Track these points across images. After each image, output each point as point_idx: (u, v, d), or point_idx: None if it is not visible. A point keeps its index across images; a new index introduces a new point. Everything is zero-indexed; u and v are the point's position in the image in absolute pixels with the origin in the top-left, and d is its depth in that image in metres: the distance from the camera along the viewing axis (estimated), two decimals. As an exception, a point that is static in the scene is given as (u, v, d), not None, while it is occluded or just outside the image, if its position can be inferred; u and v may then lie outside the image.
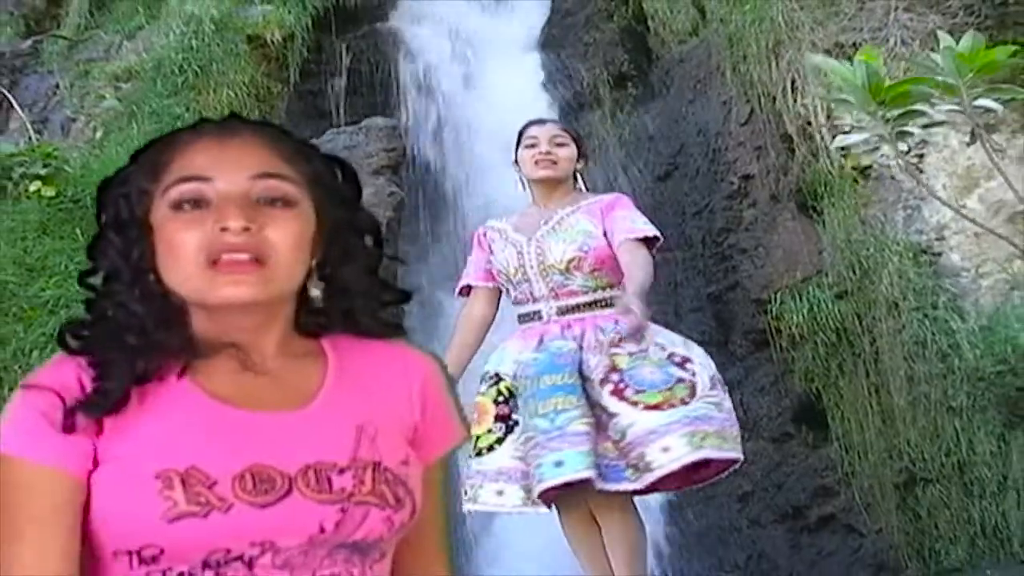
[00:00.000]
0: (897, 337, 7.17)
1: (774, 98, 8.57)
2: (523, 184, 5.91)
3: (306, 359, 2.04)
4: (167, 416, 1.87)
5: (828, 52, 8.09)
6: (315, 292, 2.04)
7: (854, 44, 8.07)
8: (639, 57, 11.02)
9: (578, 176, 5.90)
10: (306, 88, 10.98)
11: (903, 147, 4.73)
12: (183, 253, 1.89)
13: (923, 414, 6.90)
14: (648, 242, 5.54)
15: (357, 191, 2.14)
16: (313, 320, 2.07)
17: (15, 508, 1.82)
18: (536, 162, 5.75)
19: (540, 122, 6.16)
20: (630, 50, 11.07)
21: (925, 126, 4.73)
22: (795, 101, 8.33)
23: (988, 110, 4.73)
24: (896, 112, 4.49)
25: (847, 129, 7.68)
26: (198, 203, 1.91)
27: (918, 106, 4.55)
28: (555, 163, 5.74)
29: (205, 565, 1.82)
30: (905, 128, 4.57)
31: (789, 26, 8.53)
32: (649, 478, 5.01)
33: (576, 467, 4.96)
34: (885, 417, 7.24)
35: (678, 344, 5.35)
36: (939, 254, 7.29)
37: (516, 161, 5.90)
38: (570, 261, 5.49)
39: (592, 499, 5.22)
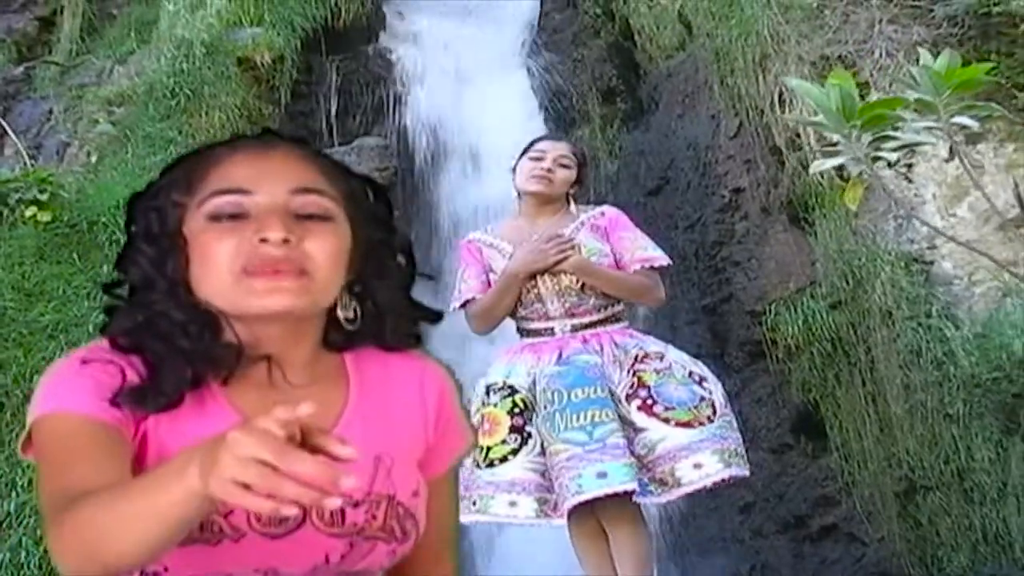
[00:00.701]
0: (892, 346, 7.13)
1: (762, 111, 8.54)
2: (516, 192, 5.88)
3: (329, 379, 2.06)
4: (196, 433, 1.84)
5: (814, 65, 8.09)
6: (345, 314, 2.04)
7: (840, 57, 8.05)
8: (627, 73, 11.00)
9: (570, 199, 5.86)
10: (297, 109, 10.92)
11: (881, 166, 4.69)
12: (218, 263, 1.90)
13: (921, 422, 6.86)
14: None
15: (389, 210, 2.15)
16: (340, 336, 2.07)
17: (62, 452, 1.81)
18: (533, 175, 5.72)
19: (554, 139, 6.16)
20: (618, 66, 11.05)
21: (901, 147, 4.70)
22: (783, 114, 8.30)
23: (965, 127, 4.71)
24: (870, 136, 4.46)
25: (833, 143, 7.71)
26: (236, 215, 1.93)
27: (891, 132, 4.51)
28: (551, 182, 5.72)
29: None
30: (879, 154, 4.54)
31: (775, 40, 8.50)
32: (677, 493, 5.07)
33: (622, 479, 4.97)
34: (883, 426, 7.21)
35: (690, 363, 5.40)
36: (931, 263, 7.26)
37: (514, 168, 5.87)
38: (583, 283, 5.48)
39: (602, 510, 5.21)
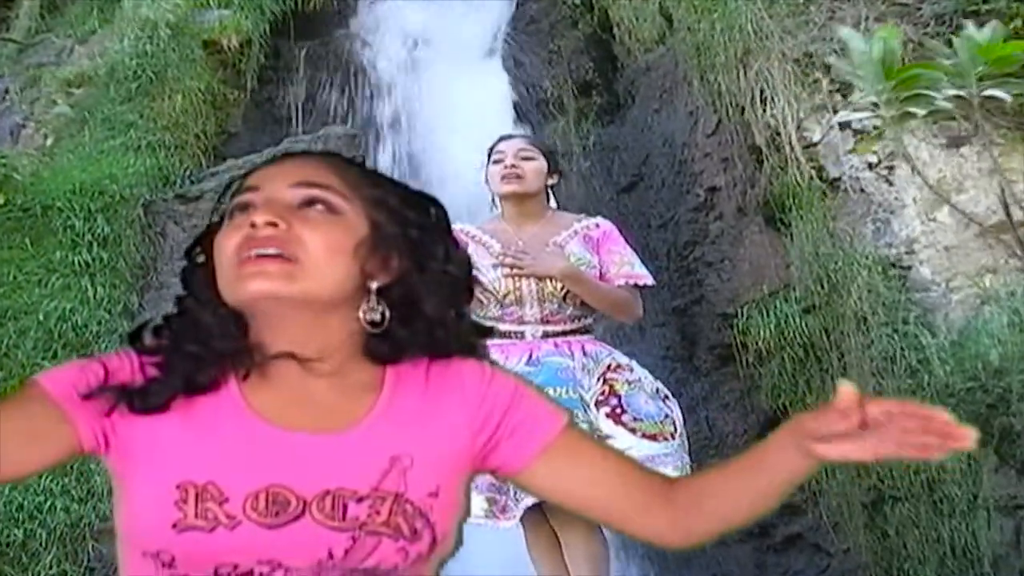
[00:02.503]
0: (866, 352, 7.14)
1: (742, 108, 8.54)
2: (495, 202, 5.88)
3: (361, 386, 2.12)
4: (205, 425, 2.02)
5: (797, 62, 8.10)
6: (369, 316, 2.10)
7: (824, 55, 8.06)
8: (604, 65, 11.03)
9: (550, 192, 5.88)
10: (263, 95, 10.94)
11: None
12: (225, 255, 2.03)
13: (892, 431, 6.86)
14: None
15: (437, 225, 2.19)
16: (386, 347, 2.13)
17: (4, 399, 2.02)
18: (502, 177, 5.73)
19: (508, 137, 6.16)
20: (595, 58, 11.08)
21: (930, 113, 4.73)
22: (764, 112, 8.29)
23: (995, 98, 4.73)
24: (903, 94, 4.49)
25: (814, 143, 7.74)
26: (244, 208, 2.07)
27: (926, 91, 4.54)
28: (520, 177, 5.72)
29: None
30: (911, 109, 4.57)
31: (758, 35, 8.50)
32: None
33: None
34: (853, 434, 7.20)
35: (654, 380, 5.45)
36: (909, 268, 7.26)
37: (486, 180, 5.88)
38: (568, 291, 5.50)
39: (554, 514, 5.23)
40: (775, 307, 7.83)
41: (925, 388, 6.68)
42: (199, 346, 2.05)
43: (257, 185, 2.09)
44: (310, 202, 2.06)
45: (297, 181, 2.08)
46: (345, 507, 1.98)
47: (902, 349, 6.87)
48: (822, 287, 7.54)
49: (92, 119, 9.64)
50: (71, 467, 6.88)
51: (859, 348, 7.20)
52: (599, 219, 5.91)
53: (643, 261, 5.82)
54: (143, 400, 1.99)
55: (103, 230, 8.32)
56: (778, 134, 8.14)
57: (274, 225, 2.00)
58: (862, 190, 7.60)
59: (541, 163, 5.81)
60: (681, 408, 5.58)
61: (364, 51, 11.44)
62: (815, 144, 7.82)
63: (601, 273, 5.59)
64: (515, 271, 5.50)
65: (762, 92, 8.33)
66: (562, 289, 5.49)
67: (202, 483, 1.94)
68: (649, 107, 10.02)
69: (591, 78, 11.05)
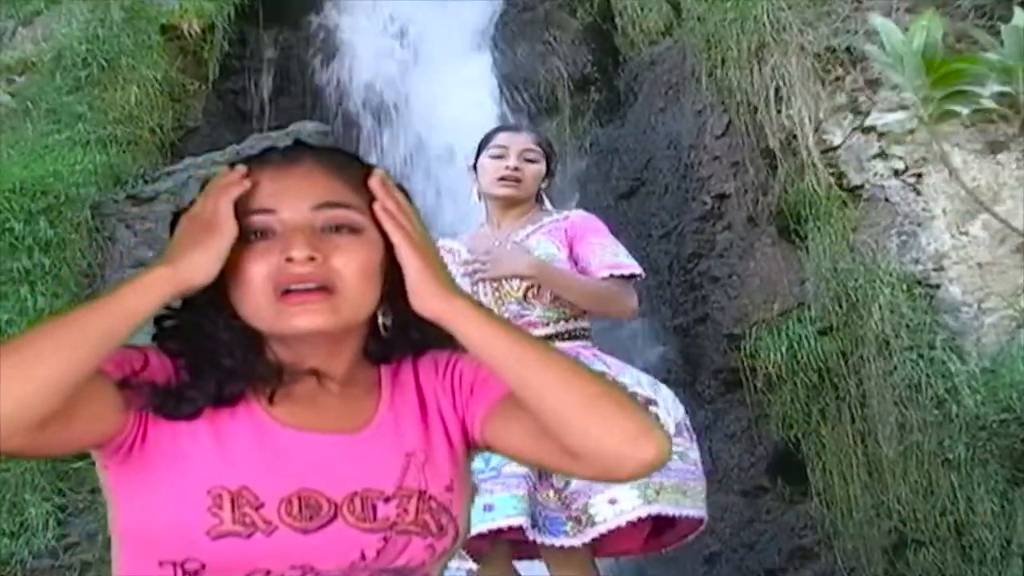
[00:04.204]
0: (887, 379, 7.07)
1: (755, 108, 8.48)
2: (477, 195, 5.80)
3: (365, 387, 2.32)
4: (230, 432, 2.16)
5: (818, 57, 8.03)
6: (384, 320, 2.29)
7: (848, 49, 7.99)
8: (604, 59, 10.98)
9: (543, 196, 5.79)
10: (227, 87, 10.95)
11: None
12: (253, 285, 2.18)
13: (916, 467, 6.80)
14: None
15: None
16: (379, 347, 2.34)
17: None
18: (500, 177, 5.63)
19: (514, 129, 6.06)
20: (594, 50, 11.04)
21: (975, 111, 4.64)
22: (779, 112, 8.23)
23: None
24: (941, 92, 4.39)
25: (835, 147, 7.67)
26: (264, 234, 2.21)
27: (969, 87, 4.44)
28: (519, 181, 5.63)
29: None
30: (952, 107, 4.46)
31: (775, 27, 8.44)
32: (591, 533, 4.93)
33: (507, 512, 4.88)
34: (872, 470, 7.15)
35: (645, 385, 5.28)
36: (937, 286, 7.20)
37: (474, 167, 5.78)
38: (528, 289, 5.38)
39: (546, 554, 5.12)
40: (788, 328, 7.76)
41: (953, 420, 6.61)
42: (231, 360, 2.20)
43: (273, 207, 2.20)
44: (335, 224, 2.21)
45: (319, 203, 2.21)
46: (375, 508, 2.15)
47: (928, 376, 6.80)
48: (840, 306, 7.47)
49: (35, 110, 9.58)
50: (2, 498, 6.82)
51: (880, 374, 7.13)
52: (571, 212, 5.83)
53: (643, 274, 5.70)
54: (176, 406, 2.14)
55: (46, 233, 8.25)
56: (794, 136, 8.08)
57: (312, 259, 2.15)
58: (887, 199, 7.53)
59: (542, 166, 5.73)
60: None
61: (339, 39, 11.42)
62: (835, 148, 7.77)
63: (582, 267, 5.47)
64: (478, 276, 5.41)
65: (777, 90, 8.27)
66: (519, 288, 5.38)
67: (235, 488, 2.08)
68: (653, 105, 9.98)
69: (589, 72, 11.01)
